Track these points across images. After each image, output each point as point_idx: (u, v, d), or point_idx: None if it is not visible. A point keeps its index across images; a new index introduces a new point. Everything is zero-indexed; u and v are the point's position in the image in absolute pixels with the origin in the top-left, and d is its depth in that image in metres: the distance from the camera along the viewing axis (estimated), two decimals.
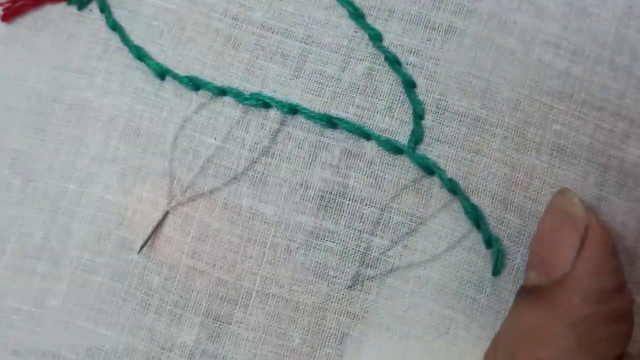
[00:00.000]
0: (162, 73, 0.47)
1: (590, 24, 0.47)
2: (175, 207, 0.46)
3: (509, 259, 0.46)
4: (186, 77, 0.47)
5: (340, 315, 0.45)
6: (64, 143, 0.48)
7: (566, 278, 0.40)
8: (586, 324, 0.40)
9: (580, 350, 0.39)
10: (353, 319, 0.46)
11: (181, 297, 0.46)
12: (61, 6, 0.49)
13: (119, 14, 0.48)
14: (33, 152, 0.48)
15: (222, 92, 0.46)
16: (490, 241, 0.45)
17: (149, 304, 0.46)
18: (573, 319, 0.40)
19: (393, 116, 0.46)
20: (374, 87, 0.46)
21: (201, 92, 0.47)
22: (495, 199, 0.45)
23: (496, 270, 0.45)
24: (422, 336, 0.45)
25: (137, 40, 0.48)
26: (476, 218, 0.45)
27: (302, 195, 0.46)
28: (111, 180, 0.47)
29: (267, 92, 0.46)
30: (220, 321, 0.45)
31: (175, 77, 0.47)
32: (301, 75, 0.46)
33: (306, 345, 0.45)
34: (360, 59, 0.46)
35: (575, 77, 0.46)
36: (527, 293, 0.43)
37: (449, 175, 0.45)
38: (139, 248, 0.46)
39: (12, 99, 0.49)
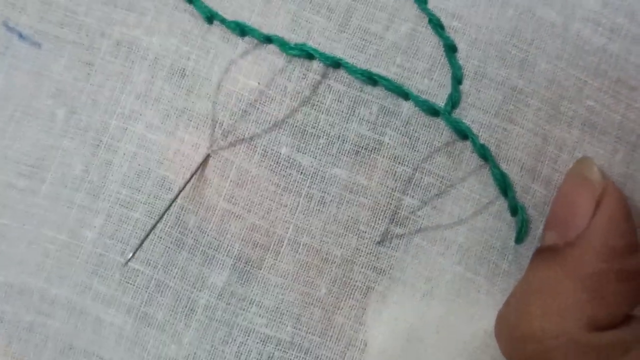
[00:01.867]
0: (210, 17, 0.47)
1: (630, 2, 0.47)
2: (216, 151, 0.47)
3: (532, 228, 0.46)
4: (233, 22, 0.47)
5: (367, 269, 0.46)
6: (109, 79, 0.48)
7: (580, 237, 0.42)
8: (596, 279, 0.41)
9: (589, 304, 0.41)
10: (379, 274, 0.47)
11: (215, 238, 0.46)
12: None
13: None
14: (78, 85, 0.48)
15: (267, 39, 0.47)
16: (515, 209, 0.46)
17: (183, 243, 0.47)
18: (584, 275, 0.42)
19: (432, 78, 0.46)
20: (416, 48, 0.47)
21: (247, 38, 0.47)
22: (524, 168, 0.46)
23: (519, 238, 0.46)
24: (444, 296, 0.46)
25: None
26: (504, 185, 0.46)
27: (338, 148, 0.46)
28: (154, 119, 0.47)
29: (311, 44, 0.47)
30: (251, 265, 0.46)
31: (223, 21, 0.47)
32: (346, 30, 0.47)
33: (332, 296, 0.46)
34: (405, 20, 0.47)
35: (611, 55, 0.47)
36: (543, 253, 0.44)
37: (482, 141, 0.46)
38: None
39: (60, 30, 0.49)
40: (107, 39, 0.48)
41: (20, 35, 0.49)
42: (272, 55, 0.47)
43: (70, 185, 0.48)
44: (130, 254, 0.46)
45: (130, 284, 0.47)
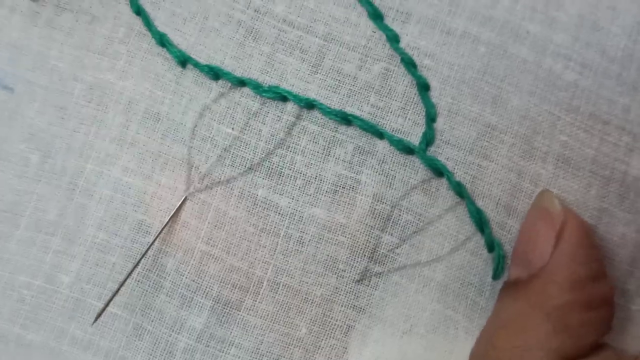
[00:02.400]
0: (183, 60, 0.47)
1: (600, 38, 0.48)
2: (193, 194, 0.47)
3: (508, 264, 0.46)
4: (207, 65, 0.47)
5: (347, 308, 0.46)
6: (83, 123, 0.48)
7: (543, 270, 0.42)
8: (561, 311, 0.41)
9: (556, 336, 0.41)
10: (359, 312, 0.46)
11: (193, 281, 0.46)
12: None
13: (143, 0, 0.48)
14: (52, 129, 0.48)
15: (241, 82, 0.47)
16: (492, 245, 0.46)
17: (161, 286, 0.46)
18: (549, 307, 0.42)
19: (406, 117, 0.47)
20: (389, 87, 0.47)
21: (221, 81, 0.47)
22: (500, 204, 0.46)
23: (496, 274, 0.46)
24: (423, 334, 0.46)
25: (160, 26, 0.48)
26: (480, 222, 0.46)
27: (316, 188, 0.46)
28: (130, 163, 0.47)
29: (285, 85, 0.47)
30: (230, 307, 0.46)
31: (197, 65, 0.47)
32: (319, 71, 0.47)
33: (312, 335, 0.46)
34: (377, 59, 0.47)
35: (583, 90, 0.47)
36: (509, 287, 0.45)
37: (457, 178, 0.46)
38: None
39: (33, 74, 0.49)
40: (80, 83, 0.48)
41: None
42: (245, 99, 0.47)
43: (45, 230, 0.48)
44: (97, 315, 0.45)
45: (108, 328, 0.47)
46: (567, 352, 0.41)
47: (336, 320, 0.46)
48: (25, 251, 0.48)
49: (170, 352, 0.46)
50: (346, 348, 0.46)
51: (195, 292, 0.46)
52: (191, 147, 0.47)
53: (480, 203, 0.46)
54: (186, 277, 0.46)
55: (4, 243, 0.48)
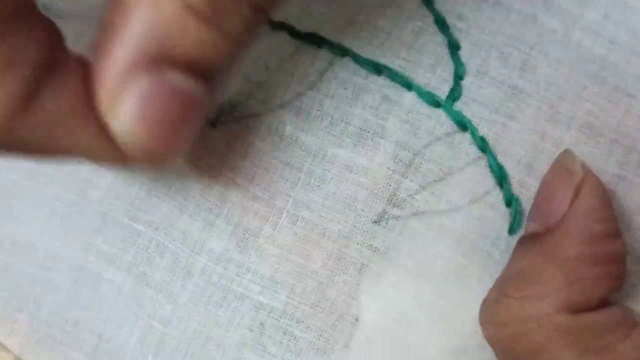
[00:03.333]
0: None
1: (630, 17, 0.49)
2: (224, 122, 0.48)
3: (525, 220, 0.47)
4: None
5: (363, 246, 0.47)
6: None
7: (559, 224, 0.43)
8: (574, 263, 0.42)
9: (567, 288, 0.42)
10: (374, 252, 0.47)
11: (216, 205, 0.48)
12: None
13: None
14: None
15: (280, 26, 0.49)
16: (510, 201, 0.47)
17: (186, 207, 0.48)
18: (562, 259, 0.42)
19: (435, 72, 0.48)
20: (421, 44, 0.48)
21: None
22: (521, 162, 0.48)
23: (512, 229, 0.47)
24: (436, 280, 0.47)
25: None
26: (500, 177, 0.47)
27: (341, 129, 0.48)
28: None
29: (320, 33, 0.49)
30: (250, 234, 0.47)
31: None
32: (354, 24, 0.49)
33: (326, 269, 0.47)
34: (412, 17, 0.49)
35: (611, 64, 0.48)
36: (525, 240, 0.45)
37: (481, 134, 0.47)
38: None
39: None
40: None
41: None
42: (281, 42, 0.49)
43: None
44: None
45: (132, 243, 0.48)
46: (576, 303, 0.42)
47: (351, 257, 0.47)
48: (59, 164, 0.50)
49: (189, 272, 0.48)
50: (358, 285, 0.47)
51: (217, 216, 0.48)
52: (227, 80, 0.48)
53: (501, 159, 0.48)
54: (210, 202, 0.48)
55: None
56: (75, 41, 0.39)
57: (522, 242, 0.46)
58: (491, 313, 0.45)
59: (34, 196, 0.50)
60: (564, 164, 0.46)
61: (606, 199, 0.44)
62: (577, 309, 0.42)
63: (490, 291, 0.46)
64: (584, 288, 0.42)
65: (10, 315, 0.49)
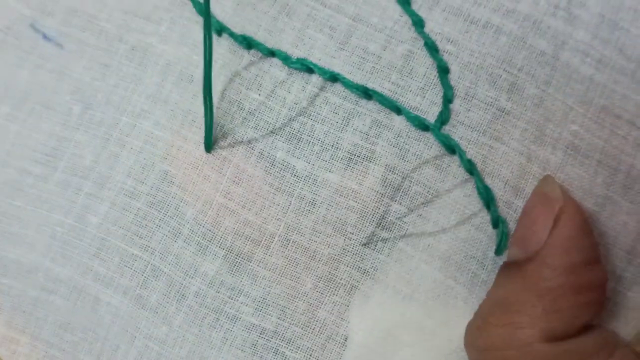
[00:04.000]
0: (219, 30, 0.50)
1: (619, 37, 0.49)
2: (216, 150, 0.49)
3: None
4: (241, 35, 0.50)
5: (352, 269, 0.48)
6: (124, 79, 0.51)
7: (539, 253, 0.44)
8: (554, 294, 0.43)
9: (546, 317, 0.42)
10: (363, 274, 0.49)
11: (209, 230, 0.49)
12: None
13: None
14: (95, 84, 0.52)
15: (271, 53, 0.49)
16: (497, 222, 0.48)
17: (180, 233, 0.49)
18: (541, 289, 0.43)
19: (424, 97, 0.49)
20: (411, 68, 0.49)
21: (252, 51, 0.50)
22: (508, 184, 0.48)
23: (499, 250, 0.48)
24: (423, 300, 0.48)
25: None
26: (487, 199, 0.48)
27: (332, 154, 0.48)
28: (161, 118, 0.50)
29: (312, 59, 0.49)
30: (242, 257, 0.49)
31: (232, 35, 0.50)
32: (345, 48, 0.49)
33: (317, 291, 0.49)
34: (402, 41, 0.49)
35: (598, 84, 0.48)
36: (507, 268, 0.46)
37: (469, 157, 0.48)
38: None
39: (82, 34, 0.52)
40: (124, 44, 0.52)
41: (45, 36, 0.53)
42: (274, 68, 0.50)
43: (80, 174, 0.51)
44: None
45: (128, 267, 0.50)
46: (557, 332, 0.43)
47: (341, 279, 0.49)
48: (60, 192, 0.51)
49: (183, 295, 0.49)
50: (348, 306, 0.48)
51: (210, 241, 0.49)
52: (219, 108, 0.49)
53: (488, 181, 0.48)
54: (203, 227, 0.49)
55: (43, 184, 0.51)
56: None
57: (504, 268, 0.47)
58: (475, 338, 0.46)
59: (37, 222, 0.51)
60: (544, 190, 0.46)
61: (586, 226, 0.45)
62: (557, 338, 0.43)
63: (475, 316, 0.47)
64: (564, 317, 0.43)
65: (13, 337, 0.51)
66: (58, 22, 0.53)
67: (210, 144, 0.49)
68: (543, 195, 0.46)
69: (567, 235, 0.44)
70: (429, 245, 0.48)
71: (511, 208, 0.48)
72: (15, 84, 0.53)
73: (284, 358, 0.49)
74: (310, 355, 0.49)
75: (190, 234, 0.49)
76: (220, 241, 0.49)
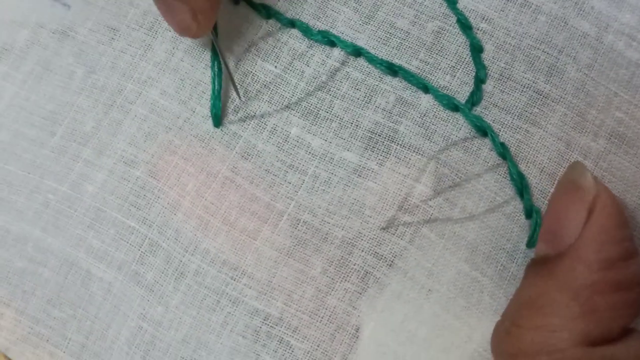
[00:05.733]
0: None
1: None
2: (225, 124, 0.47)
3: None
4: (260, 4, 0.48)
5: (368, 254, 0.45)
6: (132, 45, 0.49)
7: (571, 248, 0.40)
8: (589, 291, 0.39)
9: (582, 319, 0.39)
10: (380, 260, 0.45)
11: (212, 203, 0.46)
12: None
13: None
14: (100, 48, 0.50)
15: (291, 24, 0.47)
16: (530, 211, 0.44)
17: (180, 205, 0.46)
18: (576, 287, 0.39)
19: (455, 75, 0.46)
20: (441, 45, 0.47)
21: (271, 21, 0.48)
22: (544, 171, 0.45)
23: (531, 242, 0.44)
24: (444, 293, 0.45)
25: None
26: (521, 186, 0.45)
27: (351, 132, 0.46)
28: (169, 87, 0.48)
29: (334, 32, 0.47)
30: (247, 234, 0.46)
31: (250, 3, 0.48)
32: (371, 22, 0.47)
33: (327, 276, 0.45)
34: (432, 17, 0.47)
35: None
36: (536, 265, 0.43)
37: (501, 140, 0.45)
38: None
39: None
40: (135, 7, 0.50)
41: None
42: (293, 40, 0.48)
43: (78, 141, 0.49)
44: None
45: (125, 240, 0.47)
46: (593, 336, 0.39)
47: (354, 265, 0.45)
48: (56, 158, 0.49)
49: (181, 273, 0.46)
50: (361, 294, 0.45)
51: (212, 215, 0.46)
52: (232, 79, 0.47)
53: (523, 168, 0.45)
54: (205, 199, 0.46)
55: (38, 149, 0.49)
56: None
57: (533, 265, 0.43)
58: (502, 343, 0.42)
59: (28, 188, 0.49)
60: (573, 179, 0.43)
61: (621, 218, 0.41)
62: (593, 342, 0.39)
63: (502, 318, 0.43)
64: (601, 319, 0.39)
65: None
66: None
67: (218, 119, 0.47)
68: (573, 183, 0.42)
69: (602, 228, 0.40)
70: (455, 233, 0.45)
71: (547, 197, 0.45)
72: (15, 43, 0.51)
73: (288, 347, 0.45)
74: (318, 346, 0.45)
75: (191, 206, 0.46)
76: (224, 216, 0.46)
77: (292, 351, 0.45)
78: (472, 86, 0.46)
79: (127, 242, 0.47)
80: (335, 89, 0.47)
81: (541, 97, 0.46)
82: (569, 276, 0.40)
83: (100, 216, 0.47)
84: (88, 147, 0.48)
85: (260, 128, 0.47)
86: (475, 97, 0.46)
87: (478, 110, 0.46)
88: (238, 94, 0.47)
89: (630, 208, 0.45)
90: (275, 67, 0.47)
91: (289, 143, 0.46)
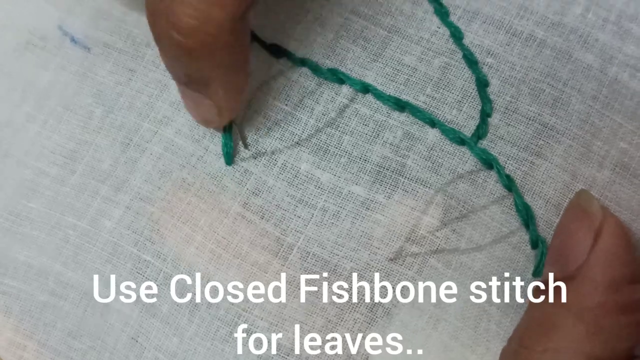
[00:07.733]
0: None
1: None
2: (237, 162, 0.48)
3: None
4: (271, 44, 0.49)
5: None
6: (148, 85, 0.51)
7: (578, 270, 0.41)
8: (596, 313, 0.39)
9: (588, 340, 0.39)
10: (388, 290, 0.46)
11: (224, 238, 0.47)
12: None
13: None
14: (118, 88, 0.51)
15: (302, 62, 0.49)
16: (536, 242, 0.45)
17: (193, 239, 0.48)
18: (583, 309, 0.40)
19: (461, 110, 0.47)
20: (448, 80, 0.48)
21: (282, 60, 0.49)
22: (550, 202, 0.46)
23: (537, 272, 0.45)
24: (452, 322, 0.45)
25: None
26: (526, 217, 0.45)
27: (359, 167, 0.47)
28: (184, 127, 0.49)
29: (343, 70, 0.48)
30: (258, 267, 0.47)
31: (261, 43, 0.49)
32: (379, 60, 0.48)
33: (336, 307, 0.46)
34: (439, 53, 0.48)
35: None
36: (542, 288, 0.43)
37: (507, 172, 0.46)
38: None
39: (110, 38, 0.52)
40: (151, 49, 0.51)
41: (73, 39, 0.53)
42: (303, 78, 0.49)
43: (97, 178, 0.50)
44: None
45: (140, 274, 0.48)
46: (599, 357, 0.39)
47: (363, 296, 0.46)
48: (76, 195, 0.50)
49: (195, 305, 0.47)
50: (370, 324, 0.46)
51: (225, 249, 0.47)
52: (244, 118, 0.48)
53: (528, 199, 0.46)
54: (218, 234, 0.47)
55: (59, 186, 0.50)
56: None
57: (539, 288, 0.43)
58: None
59: (50, 224, 0.50)
60: (581, 205, 0.43)
61: (628, 241, 0.42)
62: None
63: (509, 341, 0.43)
64: (607, 340, 0.40)
65: (20, 342, 0.50)
66: (86, 25, 0.53)
67: (230, 157, 0.48)
68: (580, 209, 0.43)
69: (609, 251, 0.41)
70: (461, 263, 0.46)
71: (552, 227, 0.45)
72: (38, 85, 0.53)
73: None
74: None
75: (203, 240, 0.47)
76: (235, 249, 0.47)
77: None
78: (478, 120, 0.47)
79: (143, 276, 0.48)
80: (344, 125, 0.48)
81: (546, 129, 0.46)
82: (576, 298, 0.40)
83: (117, 251, 0.49)
84: (106, 184, 0.50)
85: (271, 164, 0.48)
86: (481, 130, 0.47)
87: (484, 143, 0.47)
88: (245, 144, 0.48)
89: (636, 237, 0.45)
90: (286, 105, 0.48)
91: (299, 178, 0.47)
